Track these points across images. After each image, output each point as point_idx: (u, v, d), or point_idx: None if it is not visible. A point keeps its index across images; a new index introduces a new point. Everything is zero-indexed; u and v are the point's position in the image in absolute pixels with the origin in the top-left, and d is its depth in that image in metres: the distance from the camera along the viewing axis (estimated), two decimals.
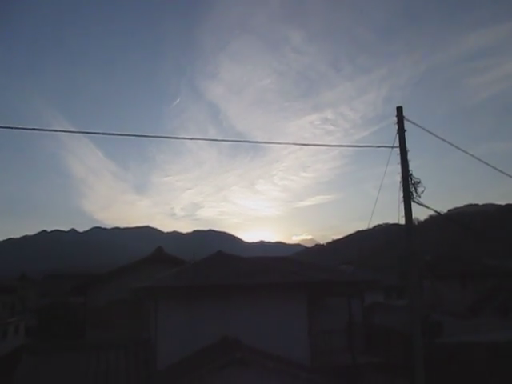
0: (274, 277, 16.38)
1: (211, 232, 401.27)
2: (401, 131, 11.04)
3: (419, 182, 10.75)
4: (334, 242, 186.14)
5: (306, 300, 16.18)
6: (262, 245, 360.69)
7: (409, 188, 10.76)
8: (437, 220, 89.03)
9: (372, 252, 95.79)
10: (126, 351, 14.61)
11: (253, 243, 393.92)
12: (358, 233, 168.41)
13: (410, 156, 10.94)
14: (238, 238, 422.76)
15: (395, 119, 11.09)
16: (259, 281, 15.97)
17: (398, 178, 10.87)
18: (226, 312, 15.44)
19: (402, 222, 10.72)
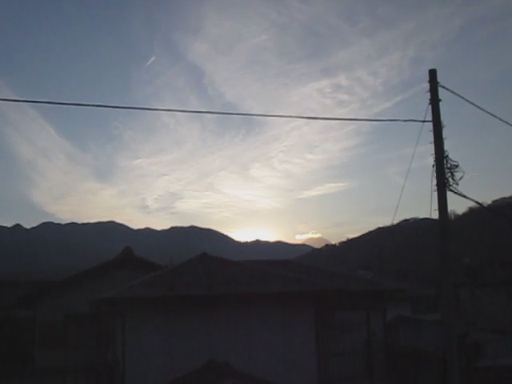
0: (272, 285, 16.54)
1: (193, 229, 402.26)
2: (434, 101, 11.03)
3: (457, 166, 10.77)
4: (349, 242, 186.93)
5: (313, 314, 16.38)
6: (257, 245, 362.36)
7: (444, 173, 10.79)
8: (478, 213, 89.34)
9: (397, 254, 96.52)
10: (86, 378, 14.71)
11: (246, 243, 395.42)
12: (379, 230, 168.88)
13: (445, 133, 10.97)
14: (227, 236, 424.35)
15: (426, 86, 11.08)
16: (254, 291, 16.13)
17: (430, 160, 10.92)
18: (213, 329, 15.61)
19: (435, 215, 10.79)
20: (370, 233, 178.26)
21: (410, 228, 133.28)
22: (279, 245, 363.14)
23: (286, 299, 16.34)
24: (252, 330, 15.81)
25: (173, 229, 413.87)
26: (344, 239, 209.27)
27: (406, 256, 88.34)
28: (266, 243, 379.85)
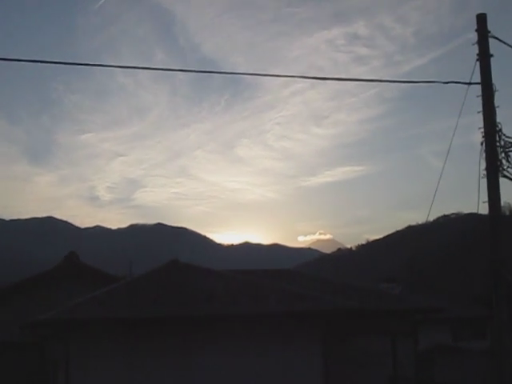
0: (266, 303, 16.61)
1: (160, 228, 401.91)
2: (483, 56, 11.05)
3: None
4: (369, 246, 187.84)
5: (320, 343, 16.46)
6: (246, 249, 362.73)
7: (496, 153, 10.82)
8: None
9: (433, 262, 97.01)
10: None
11: (232, 247, 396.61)
12: (410, 230, 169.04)
13: (498, 99, 11.01)
14: (206, 237, 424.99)
15: (473, 36, 11.11)
16: (242, 311, 16.19)
17: (478, 136, 10.96)
18: (189, 361, 15.67)
19: (484, 210, 10.84)
20: (397, 234, 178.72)
21: (450, 227, 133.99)
22: (276, 249, 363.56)
23: (284, 322, 16.38)
24: (240, 361, 15.84)
25: (133, 227, 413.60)
26: (363, 242, 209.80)
27: (445, 264, 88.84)
28: (258, 247, 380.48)
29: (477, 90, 11.07)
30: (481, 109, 10.99)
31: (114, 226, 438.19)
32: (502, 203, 10.90)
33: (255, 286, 17.79)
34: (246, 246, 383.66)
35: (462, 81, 11.18)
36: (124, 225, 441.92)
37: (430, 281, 67.25)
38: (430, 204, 12.45)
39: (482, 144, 10.93)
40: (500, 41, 11.11)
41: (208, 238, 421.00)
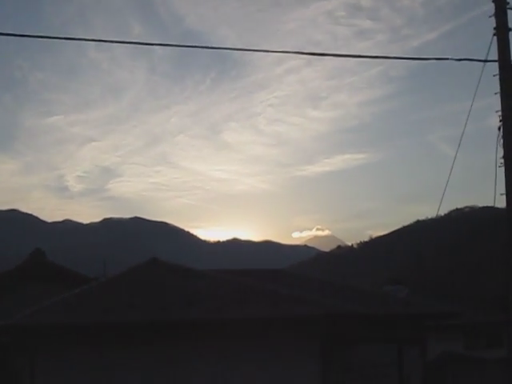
0: (256, 308, 16.59)
1: (138, 222, 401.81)
2: (502, 30, 11.06)
3: None
4: (373, 243, 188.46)
5: (317, 350, 16.45)
6: (235, 247, 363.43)
7: None
8: None
9: (443, 261, 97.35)
10: None
11: (218, 244, 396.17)
12: (418, 225, 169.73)
13: None
14: (189, 233, 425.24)
15: (490, 8, 11.11)
16: (229, 316, 16.15)
17: (495, 120, 10.93)
18: (168, 372, 15.67)
19: (502, 203, 10.85)
20: (403, 229, 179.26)
21: (463, 222, 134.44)
22: (268, 247, 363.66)
23: (277, 329, 16.31)
24: (223, 375, 15.85)
25: (107, 222, 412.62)
26: (365, 239, 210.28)
27: (457, 263, 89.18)
28: (248, 244, 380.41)
29: (493, 68, 11.07)
30: (498, 89, 10.97)
31: (85, 221, 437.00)
32: None
33: (244, 289, 17.75)
34: (235, 244, 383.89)
35: (476, 58, 11.17)
36: (97, 219, 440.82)
37: (441, 282, 67.47)
38: (441, 196, 12.47)
39: (499, 129, 10.93)
40: None
41: (191, 235, 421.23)
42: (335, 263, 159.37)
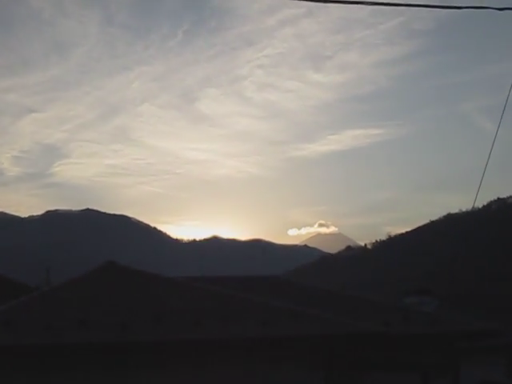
0: (244, 325, 16.71)
1: (90, 216, 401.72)
2: None
3: None
4: (392, 243, 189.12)
5: (322, 378, 16.61)
6: (216, 247, 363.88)
7: None
8: None
9: (481, 264, 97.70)
10: None
11: (195, 243, 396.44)
12: (449, 220, 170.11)
13: None
14: (157, 230, 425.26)
15: None
16: (208, 336, 16.23)
17: None
18: None
19: None
20: (431, 226, 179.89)
21: (507, 215, 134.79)
22: (257, 247, 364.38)
23: (269, 353, 16.47)
24: None
25: (50, 215, 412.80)
26: (382, 237, 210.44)
27: (498, 268, 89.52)
28: (232, 244, 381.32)
29: None
30: None
31: (23, 214, 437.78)
32: None
33: (227, 301, 17.92)
34: (215, 243, 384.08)
35: None
36: (38, 211, 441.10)
37: (478, 292, 67.83)
38: (479, 183, 12.46)
39: None
40: None
41: (159, 232, 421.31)
42: (343, 268, 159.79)
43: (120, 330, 16.04)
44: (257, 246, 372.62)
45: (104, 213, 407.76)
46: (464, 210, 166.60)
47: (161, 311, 16.88)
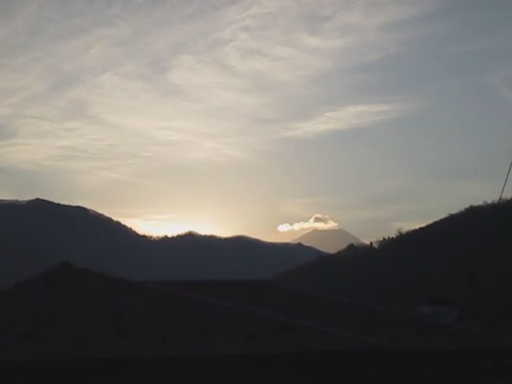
0: (225, 340, 16.70)
1: (40, 206, 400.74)
2: None
3: None
4: (402, 241, 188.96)
5: None
6: (192, 245, 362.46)
7: None
8: None
9: (508, 267, 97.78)
10: None
11: (166, 240, 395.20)
12: (471, 214, 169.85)
13: None
14: (120, 224, 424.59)
15: None
16: (183, 351, 16.22)
17: None
18: None
19: None
20: (450, 220, 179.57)
21: None
22: (241, 245, 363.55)
23: (257, 371, 16.39)
24: None
25: None
26: (391, 234, 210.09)
27: None
28: (211, 242, 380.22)
29: None
30: None
31: None
32: None
33: (205, 310, 17.95)
34: (190, 241, 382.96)
35: None
36: None
37: (506, 300, 67.94)
38: (507, 171, 12.46)
39: None
40: None
41: (123, 227, 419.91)
42: (345, 271, 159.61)
43: (75, 344, 15.95)
44: (241, 244, 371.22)
45: (57, 204, 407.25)
46: (489, 201, 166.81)
47: (124, 323, 16.79)
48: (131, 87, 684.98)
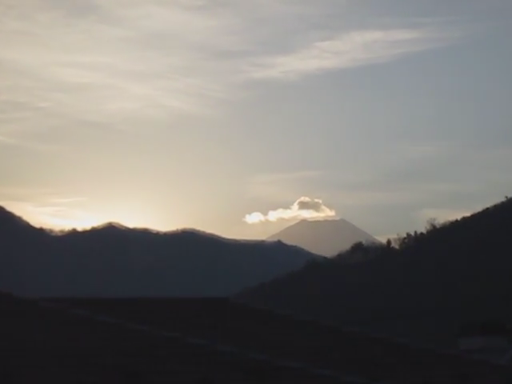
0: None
1: None
2: None
3: None
4: (435, 237, 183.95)
5: None
6: (113, 240, 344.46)
7: None
8: None
9: None
10: None
11: (76, 236, 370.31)
12: None
13: None
14: (6, 212, 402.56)
15: None
16: None
17: None
18: None
19: None
20: (504, 206, 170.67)
21: None
22: (188, 243, 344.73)
23: None
24: None
25: None
26: (419, 228, 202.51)
27: None
28: (144, 238, 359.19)
29: None
30: None
31: None
32: None
33: (138, 342, 15.99)
34: (110, 237, 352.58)
35: None
36: None
37: None
38: None
39: None
40: None
41: (11, 216, 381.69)
42: (350, 284, 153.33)
43: None
44: (187, 242, 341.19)
45: None
46: None
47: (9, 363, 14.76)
48: (22, 3, 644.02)
